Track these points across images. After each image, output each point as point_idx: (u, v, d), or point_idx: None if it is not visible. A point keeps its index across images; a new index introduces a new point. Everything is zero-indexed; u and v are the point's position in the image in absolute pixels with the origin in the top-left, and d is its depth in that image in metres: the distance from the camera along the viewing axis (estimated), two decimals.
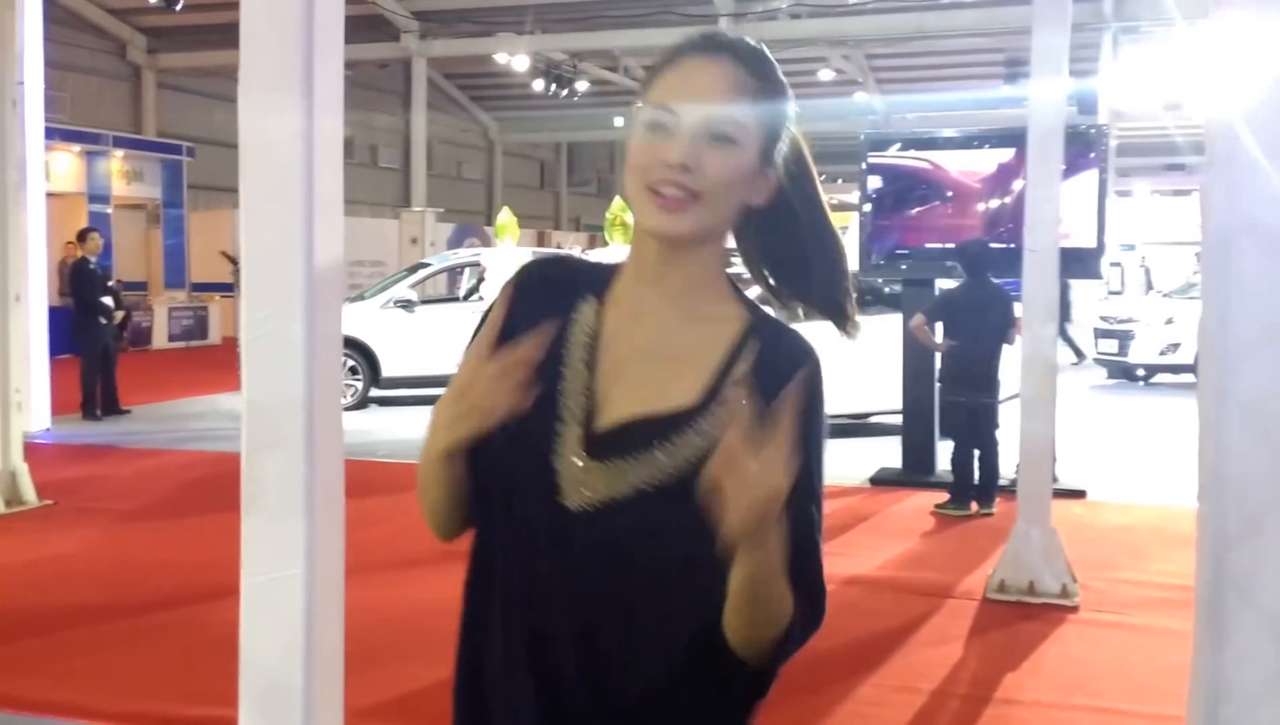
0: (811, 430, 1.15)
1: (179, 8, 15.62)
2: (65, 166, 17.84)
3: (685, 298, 1.23)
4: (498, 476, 1.22)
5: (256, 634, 2.31)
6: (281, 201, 2.34)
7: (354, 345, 11.25)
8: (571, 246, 18.30)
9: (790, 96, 1.26)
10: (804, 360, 1.19)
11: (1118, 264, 16.92)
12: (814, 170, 1.30)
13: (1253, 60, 2.06)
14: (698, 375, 1.20)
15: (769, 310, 1.28)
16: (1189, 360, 12.66)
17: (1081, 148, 7.43)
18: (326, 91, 2.36)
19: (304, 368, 2.31)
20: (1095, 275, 8.64)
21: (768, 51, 1.25)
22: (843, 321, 1.29)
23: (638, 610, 1.17)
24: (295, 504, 2.29)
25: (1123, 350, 13.82)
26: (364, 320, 11.54)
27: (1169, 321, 13.48)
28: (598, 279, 1.27)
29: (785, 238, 1.27)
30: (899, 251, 8.19)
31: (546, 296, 1.26)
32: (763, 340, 1.21)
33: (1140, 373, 14.00)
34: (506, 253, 11.35)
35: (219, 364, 13.38)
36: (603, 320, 1.24)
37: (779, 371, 1.15)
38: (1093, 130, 8.00)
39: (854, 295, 1.30)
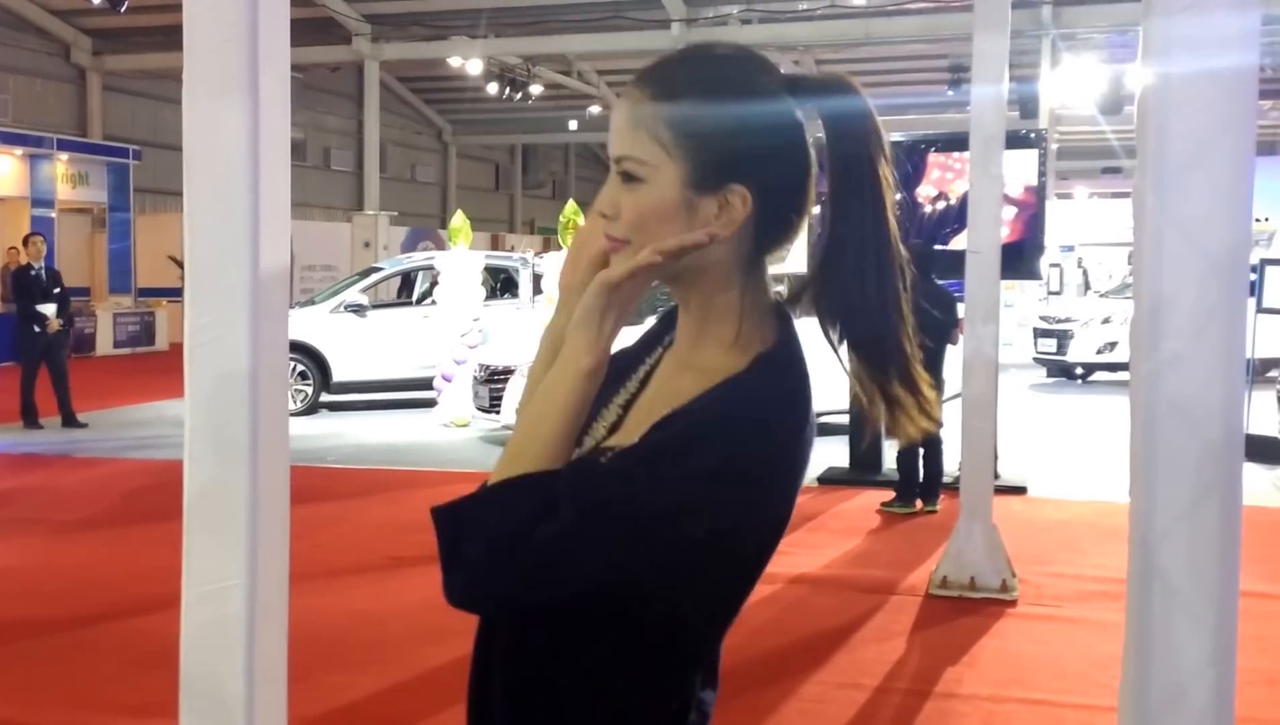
0: (678, 456, 1.05)
1: (124, 9, 15.36)
2: (7, 170, 17.49)
3: (686, 345, 1.16)
4: None
5: (198, 645, 2.30)
6: (226, 206, 2.33)
7: (304, 350, 11.16)
8: (525, 249, 18.25)
9: (757, 96, 1.09)
10: (722, 411, 1.06)
11: (1057, 265, 17.22)
12: (866, 189, 1.10)
13: (1181, 65, 2.13)
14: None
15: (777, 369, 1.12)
16: (1125, 359, 12.89)
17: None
18: (273, 94, 2.35)
19: (248, 375, 2.30)
20: (1035, 275, 8.82)
21: (716, 54, 1.12)
22: (905, 384, 1.12)
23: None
24: (239, 513, 2.27)
25: (1061, 349, 14.11)
26: (314, 325, 11.44)
27: (1106, 321, 13.80)
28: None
29: (825, 268, 1.12)
30: None
31: (663, 331, 1.26)
32: (721, 389, 1.08)
33: (1078, 371, 14.30)
34: (460, 256, 11.30)
35: (166, 371, 13.18)
36: (659, 365, 1.22)
37: (702, 421, 1.07)
38: (1033, 134, 8.16)
39: (909, 337, 1.11)
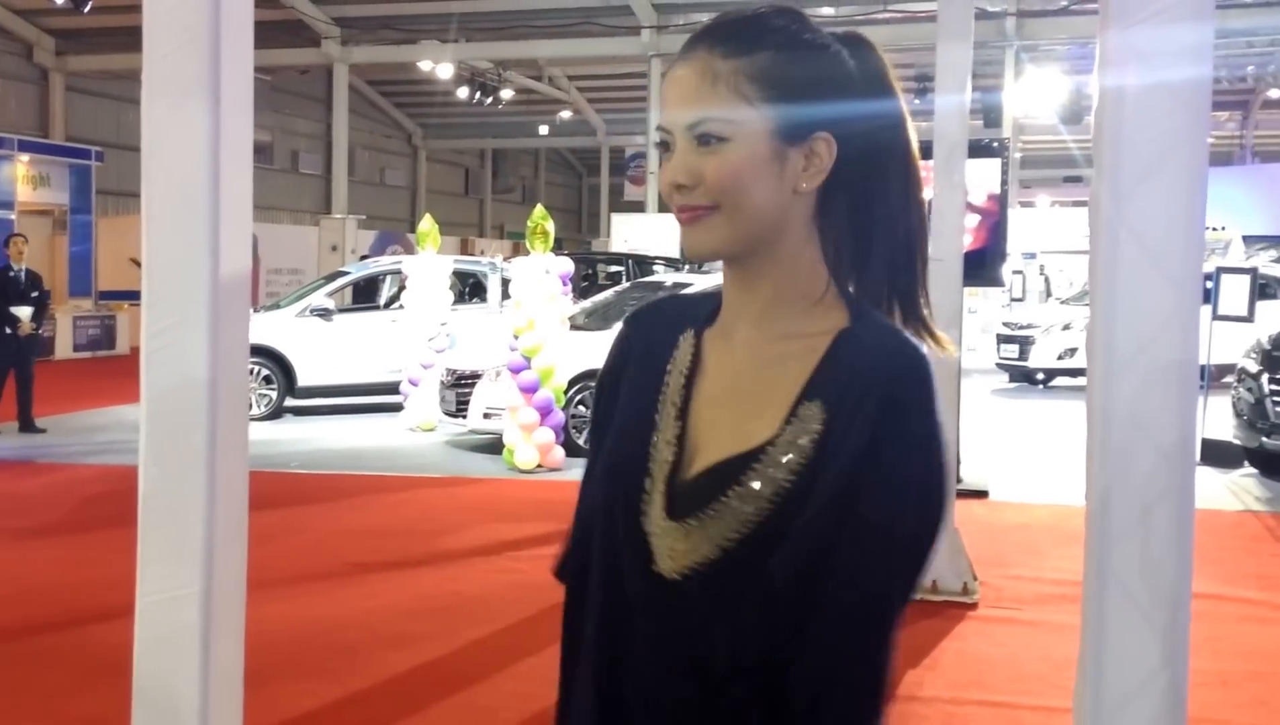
0: (882, 464, 1.00)
1: (88, 9, 15.18)
2: None
3: (771, 315, 1.09)
4: (597, 540, 1.12)
5: (151, 654, 2.26)
6: (186, 209, 2.31)
7: (269, 354, 11.06)
8: (494, 254, 18.20)
9: (820, 46, 1.09)
10: (886, 367, 1.03)
11: (1019, 272, 17.44)
12: (901, 132, 1.11)
13: (1137, 77, 2.16)
14: (781, 403, 1.05)
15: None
16: (1085, 364, 13.09)
17: None
18: (235, 96, 2.33)
19: (207, 380, 2.28)
20: (997, 282, 8.92)
21: (766, 10, 1.10)
22: (915, 324, 1.10)
23: (734, 683, 1.04)
24: (194, 520, 2.25)
25: (1023, 355, 14.32)
26: (279, 329, 11.35)
27: (1066, 327, 14.01)
28: (704, 309, 1.15)
29: (843, 220, 1.10)
30: None
31: (656, 333, 1.16)
32: (848, 347, 1.05)
33: (1039, 376, 14.49)
34: (428, 261, 11.25)
35: (126, 374, 13.00)
36: (701, 356, 1.13)
37: (857, 383, 1.02)
38: (996, 142, 8.25)
39: (924, 295, 1.11)
